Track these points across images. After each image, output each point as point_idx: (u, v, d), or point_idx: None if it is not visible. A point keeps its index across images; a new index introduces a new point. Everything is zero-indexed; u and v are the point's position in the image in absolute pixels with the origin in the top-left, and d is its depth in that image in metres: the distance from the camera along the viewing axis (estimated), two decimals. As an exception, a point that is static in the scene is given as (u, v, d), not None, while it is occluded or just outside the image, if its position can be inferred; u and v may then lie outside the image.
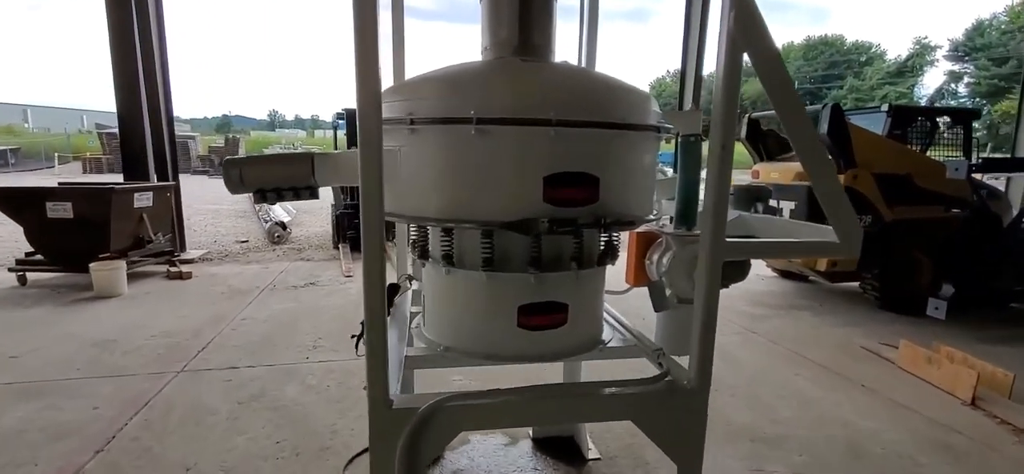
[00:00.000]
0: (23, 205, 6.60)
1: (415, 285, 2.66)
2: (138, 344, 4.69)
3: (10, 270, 6.75)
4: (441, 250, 1.81)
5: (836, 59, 58.66)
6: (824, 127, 5.69)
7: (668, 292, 2.26)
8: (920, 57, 55.57)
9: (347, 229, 9.05)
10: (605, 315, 2.23)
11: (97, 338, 4.81)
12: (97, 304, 5.94)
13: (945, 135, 6.93)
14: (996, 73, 45.63)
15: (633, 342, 2.14)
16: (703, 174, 1.95)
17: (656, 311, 2.23)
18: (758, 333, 5.13)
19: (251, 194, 1.96)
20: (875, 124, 6.53)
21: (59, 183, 7.51)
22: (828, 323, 5.69)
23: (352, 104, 1.56)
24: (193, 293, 6.47)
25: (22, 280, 6.70)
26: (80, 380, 3.97)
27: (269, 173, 1.92)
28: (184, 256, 8.19)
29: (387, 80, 1.95)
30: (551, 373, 2.84)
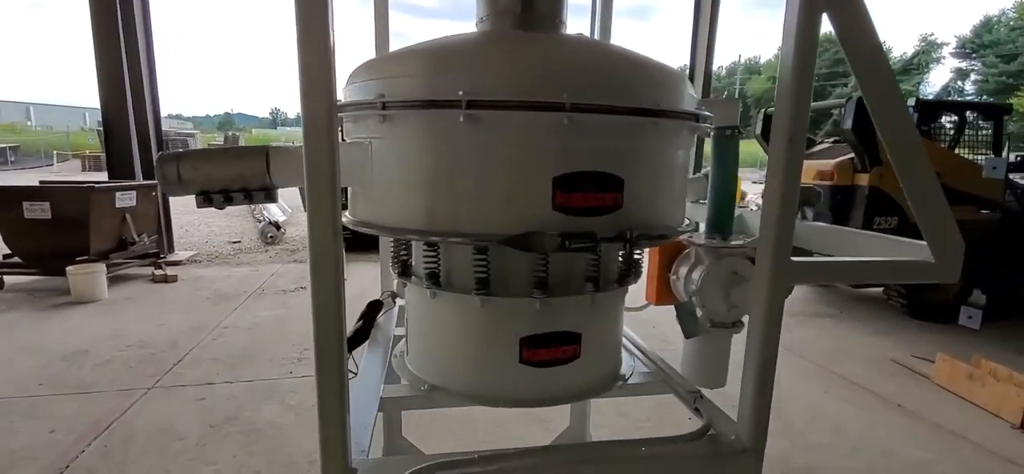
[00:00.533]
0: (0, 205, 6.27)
1: (401, 302, 2.31)
2: (110, 356, 4.35)
3: (-14, 273, 6.42)
4: (425, 267, 1.45)
5: (841, 57, 57.97)
6: (848, 122, 5.32)
7: (699, 314, 1.91)
8: (926, 54, 55.04)
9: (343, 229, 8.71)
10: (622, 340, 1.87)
11: (68, 349, 4.47)
12: (74, 310, 5.60)
13: (963, 132, 6.54)
14: (1004, 70, 45.09)
15: (658, 375, 1.79)
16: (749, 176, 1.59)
17: (686, 337, 1.87)
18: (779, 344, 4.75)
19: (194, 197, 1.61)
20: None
21: (40, 182, 7.19)
22: (854, 333, 5.31)
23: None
24: (176, 298, 6.12)
25: (-1, 283, 6.38)
26: (42, 398, 3.63)
27: (214, 171, 1.56)
28: (171, 258, 7.85)
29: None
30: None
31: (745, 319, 2.01)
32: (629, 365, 1.77)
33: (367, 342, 2.10)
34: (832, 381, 4.10)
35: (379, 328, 2.15)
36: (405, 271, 1.60)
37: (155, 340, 4.72)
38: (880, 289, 6.11)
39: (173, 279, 6.82)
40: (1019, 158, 6.20)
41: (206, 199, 1.60)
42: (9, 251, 6.51)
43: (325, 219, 1.00)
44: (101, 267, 6.07)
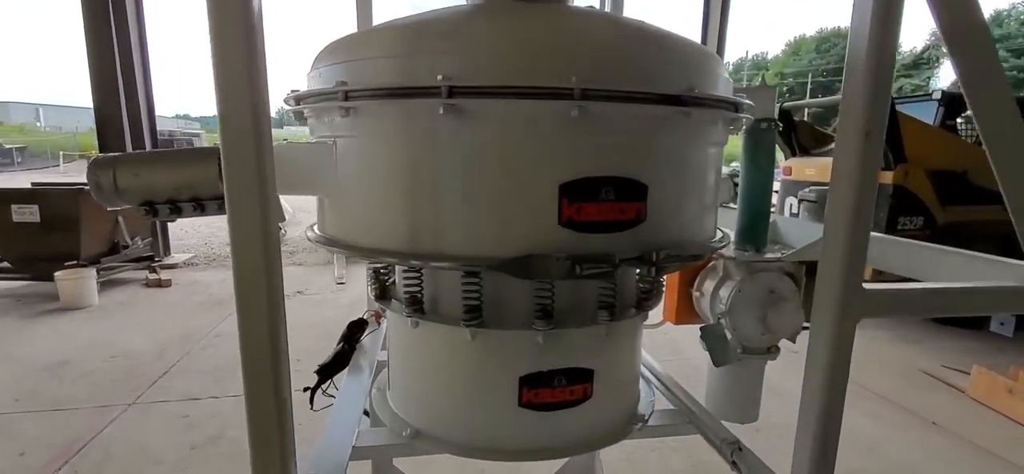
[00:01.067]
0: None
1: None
2: (93, 368, 4.13)
3: (-25, 278, 6.25)
4: (405, 291, 1.21)
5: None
6: (871, 117, 5.03)
7: (729, 338, 1.65)
8: (936, 48, 54.22)
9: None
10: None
11: (50, 360, 4.26)
12: (62, 317, 5.40)
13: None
14: (1016, 64, 44.33)
15: (682, 411, 1.53)
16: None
17: (714, 365, 1.62)
18: (801, 354, 4.47)
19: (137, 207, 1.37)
20: (924, 113, 5.84)
21: (32, 183, 7.00)
22: (879, 340, 5.01)
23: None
24: (169, 304, 5.91)
25: (-12, 289, 6.19)
26: (16, 415, 3.41)
27: (157, 178, 1.32)
28: (167, 261, 7.66)
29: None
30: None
31: (782, 345, 1.76)
32: (647, 399, 1.51)
33: (346, 370, 1.87)
34: (859, 395, 3.82)
35: (363, 351, 1.90)
36: (384, 294, 1.35)
37: (142, 350, 4.50)
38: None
39: (167, 283, 6.61)
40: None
41: (150, 209, 1.36)
42: (-2, 255, 6.33)
43: (253, 242, 0.75)
44: (91, 272, 5.86)
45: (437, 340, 1.24)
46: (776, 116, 1.65)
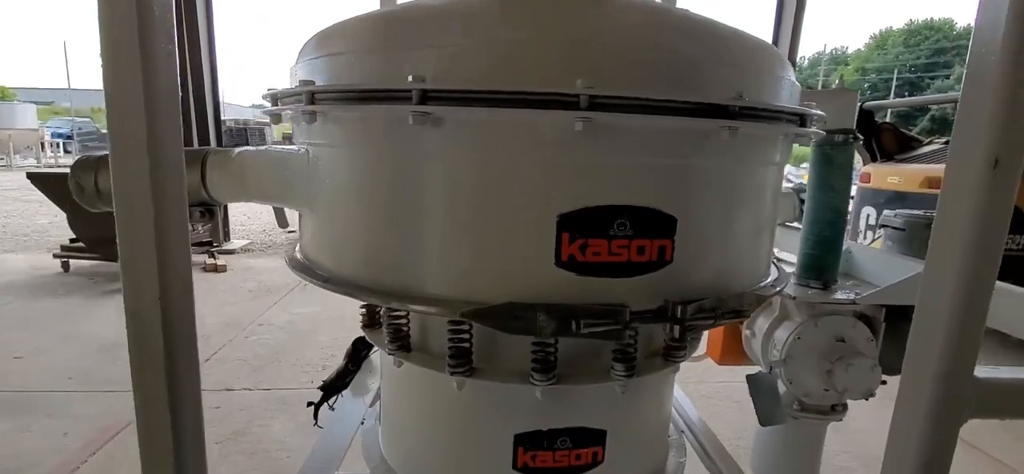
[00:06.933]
0: (64, 190, 6.49)
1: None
2: (143, 350, 4.28)
3: (54, 256, 6.71)
4: (389, 322, 1.03)
5: (943, 45, 52.59)
6: None
7: (783, 391, 1.38)
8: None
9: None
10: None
11: (107, 340, 4.45)
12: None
13: None
14: None
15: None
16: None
17: (761, 423, 1.36)
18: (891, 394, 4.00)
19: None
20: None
21: (107, 168, 7.44)
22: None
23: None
24: (222, 289, 6.10)
25: (65, 267, 6.63)
26: (67, 393, 3.56)
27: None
28: (225, 246, 7.95)
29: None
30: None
31: (850, 402, 1.47)
32: (677, 461, 1.28)
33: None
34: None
35: (372, 369, 1.77)
36: (373, 320, 1.19)
37: (189, 335, 4.63)
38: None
39: (223, 269, 6.85)
40: None
41: (133, 215, 1.26)
42: (74, 236, 6.76)
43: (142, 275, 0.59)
44: (152, 255, 6.15)
45: (422, 385, 1.06)
46: (855, 123, 1.35)
